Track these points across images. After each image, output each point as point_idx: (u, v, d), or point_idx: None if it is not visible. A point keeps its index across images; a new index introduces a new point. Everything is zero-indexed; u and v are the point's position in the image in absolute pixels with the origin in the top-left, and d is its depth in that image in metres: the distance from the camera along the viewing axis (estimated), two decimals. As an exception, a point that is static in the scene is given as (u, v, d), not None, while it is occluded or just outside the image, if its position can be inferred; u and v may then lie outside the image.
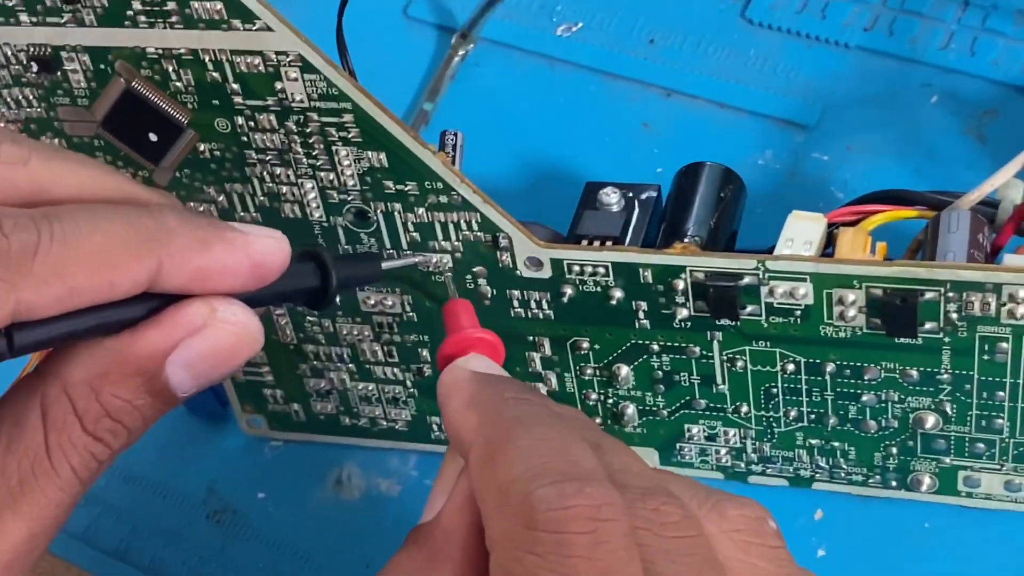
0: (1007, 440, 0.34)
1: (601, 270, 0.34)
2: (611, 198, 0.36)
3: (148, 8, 0.32)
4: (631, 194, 0.36)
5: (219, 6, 0.31)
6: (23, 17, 0.33)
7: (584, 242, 0.35)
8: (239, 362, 0.28)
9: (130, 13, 0.32)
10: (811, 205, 0.40)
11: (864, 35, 0.44)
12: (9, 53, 0.34)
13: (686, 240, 0.35)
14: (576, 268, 0.34)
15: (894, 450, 0.35)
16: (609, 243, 0.35)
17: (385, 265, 0.33)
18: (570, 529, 0.24)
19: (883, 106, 0.43)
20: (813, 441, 0.36)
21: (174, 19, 0.32)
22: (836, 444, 0.36)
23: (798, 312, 0.33)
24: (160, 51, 0.33)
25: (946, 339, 0.32)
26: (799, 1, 0.45)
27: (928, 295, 0.31)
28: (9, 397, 0.27)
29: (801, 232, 0.34)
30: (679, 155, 0.43)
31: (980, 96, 0.42)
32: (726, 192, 0.36)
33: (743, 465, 0.37)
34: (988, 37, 0.43)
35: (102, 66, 0.33)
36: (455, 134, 0.35)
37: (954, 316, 0.32)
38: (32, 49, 0.33)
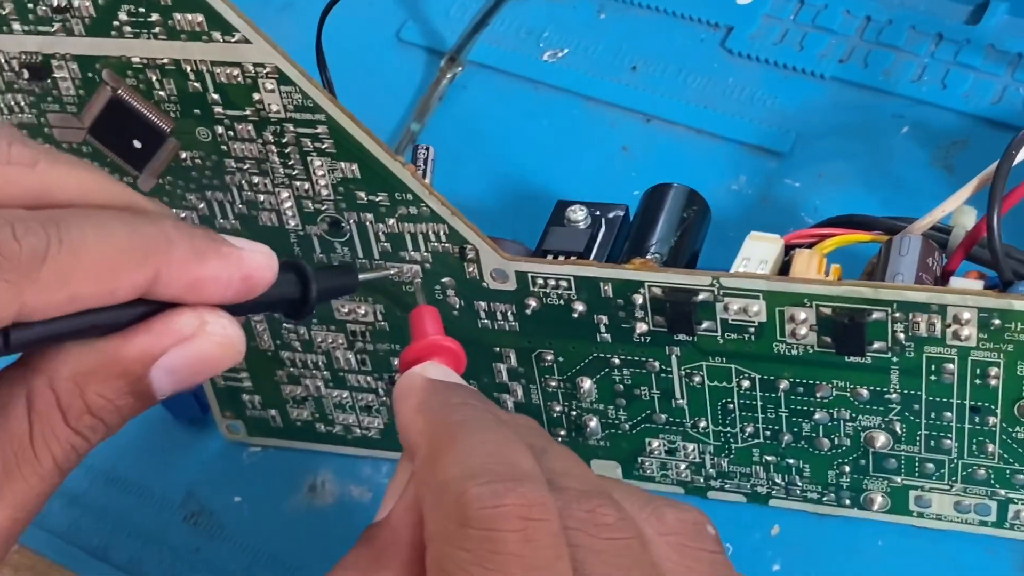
0: (955, 461, 0.35)
1: (564, 283, 0.35)
2: (578, 215, 0.37)
3: (133, 19, 0.33)
4: (598, 212, 0.38)
5: (200, 18, 0.33)
6: (15, 25, 0.34)
7: (549, 257, 0.36)
8: (220, 370, 0.29)
9: (116, 23, 0.33)
10: (781, 229, 0.41)
11: (839, 67, 0.45)
12: (2, 60, 0.35)
13: (648, 256, 0.36)
14: (540, 281, 0.35)
15: (847, 468, 0.36)
16: (573, 258, 0.36)
17: (362, 276, 0.34)
18: (501, 527, 0.25)
19: (855, 136, 0.44)
20: (769, 458, 0.37)
21: (158, 30, 0.33)
22: (791, 461, 0.36)
23: (752, 329, 0.34)
24: (144, 61, 0.34)
25: (894, 359, 0.33)
26: (778, 33, 0.47)
27: (875, 315, 0.32)
28: None
29: (757, 252, 0.35)
30: (656, 178, 0.44)
31: (949, 127, 0.43)
32: (689, 212, 0.37)
33: (702, 480, 0.38)
34: (960, 70, 0.44)
35: (90, 74, 0.35)
36: (427, 148, 0.36)
37: (901, 336, 0.33)
38: (24, 56, 0.35)
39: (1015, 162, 0.33)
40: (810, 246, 0.35)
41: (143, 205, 0.29)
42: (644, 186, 0.40)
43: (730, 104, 0.46)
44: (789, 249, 0.35)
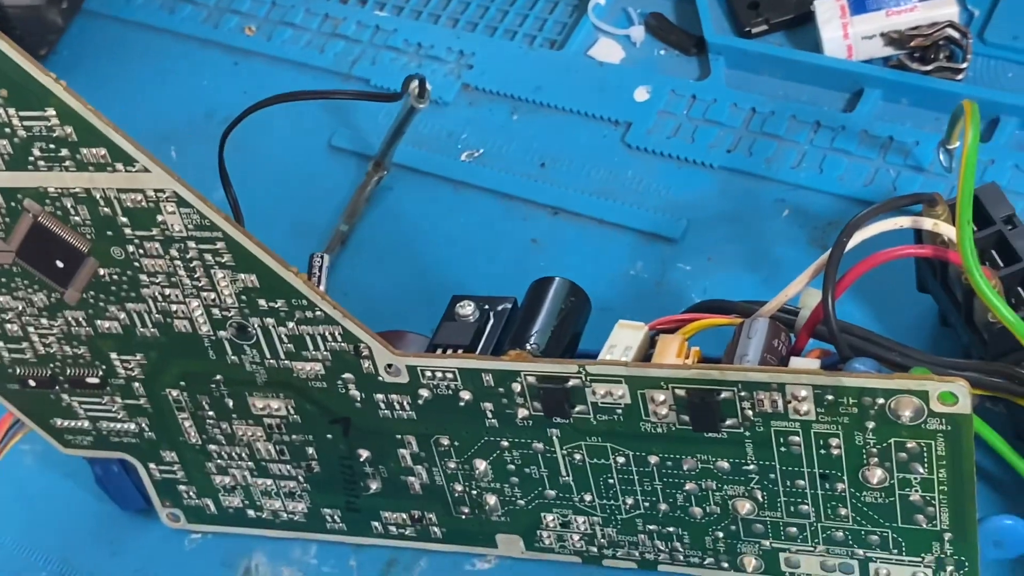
0: (815, 524, 0.37)
1: (449, 375, 0.38)
2: (466, 310, 0.40)
3: (46, 154, 0.37)
4: (487, 306, 0.41)
5: (103, 151, 0.36)
6: (-56, 163, 0.38)
7: (439, 351, 0.39)
8: None
9: (31, 158, 0.37)
10: (673, 311, 0.44)
11: (727, 156, 0.49)
12: (-65, 194, 0.39)
13: (527, 347, 0.39)
14: (428, 373, 0.38)
15: (720, 534, 0.39)
16: (460, 351, 0.39)
17: None
18: None
19: (741, 220, 0.47)
20: (651, 527, 0.39)
21: (68, 163, 0.37)
22: (671, 529, 0.39)
23: (619, 410, 0.37)
24: (59, 190, 0.38)
25: (746, 433, 0.36)
26: (672, 127, 0.50)
27: (724, 395, 0.35)
28: None
29: (623, 339, 0.38)
30: (563, 267, 0.48)
31: (825, 210, 0.46)
32: (567, 303, 0.40)
33: (596, 550, 0.41)
34: (835, 156, 0.48)
35: (13, 203, 0.38)
36: (322, 256, 0.40)
37: (750, 413, 0.36)
38: (-47, 191, 0.39)
39: (846, 249, 0.36)
40: (672, 331, 0.38)
41: None
42: (551, 274, 0.43)
43: (629, 195, 0.49)
44: (656, 334, 0.38)
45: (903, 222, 0.37)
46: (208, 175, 0.49)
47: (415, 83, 0.48)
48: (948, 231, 0.37)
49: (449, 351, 0.39)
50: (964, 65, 0.47)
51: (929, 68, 0.47)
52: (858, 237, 0.36)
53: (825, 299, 0.36)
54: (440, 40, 0.56)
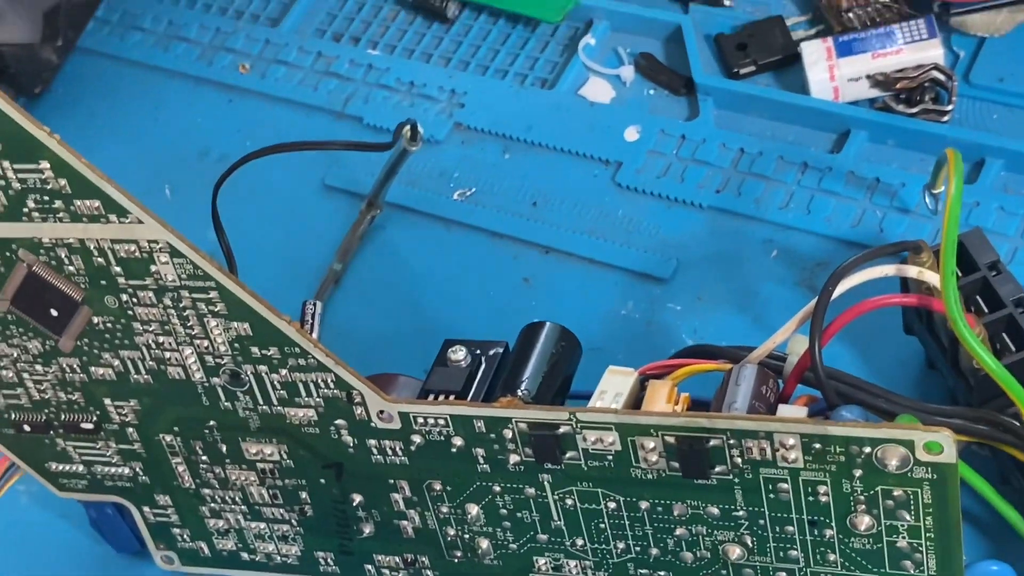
0: (804, 569, 0.38)
1: (441, 421, 0.38)
2: (458, 355, 0.41)
3: (40, 206, 0.37)
4: (479, 351, 0.41)
5: (97, 203, 0.37)
6: (-62, 214, 0.38)
7: (431, 397, 0.40)
8: None
9: (26, 210, 0.37)
10: (663, 351, 0.45)
11: (716, 196, 0.49)
12: (-70, 243, 0.39)
13: (519, 392, 0.39)
14: (420, 420, 0.39)
15: (711, 578, 0.39)
16: (451, 397, 0.40)
17: None
18: None
19: (729, 260, 0.47)
20: (643, 571, 0.40)
21: (62, 215, 0.37)
22: (662, 574, 0.40)
23: (610, 457, 0.37)
24: (53, 241, 0.38)
25: (736, 480, 0.36)
26: (662, 166, 0.50)
27: (713, 442, 0.36)
28: None
29: (613, 385, 0.38)
30: (554, 307, 0.48)
31: (813, 250, 0.47)
32: (557, 348, 0.41)
33: (587, 593, 0.41)
34: (823, 196, 0.48)
35: (8, 253, 0.39)
36: (314, 304, 0.40)
37: (738, 460, 0.36)
38: (-53, 240, 0.39)
39: (832, 298, 0.36)
40: (661, 376, 0.38)
41: None
42: (543, 315, 0.44)
43: (619, 234, 0.49)
44: (646, 379, 0.39)
45: (888, 270, 0.37)
46: (202, 213, 0.49)
47: (408, 128, 0.49)
48: (933, 279, 0.37)
49: (441, 397, 0.40)
50: (950, 107, 0.48)
51: (915, 110, 0.48)
52: (844, 285, 0.37)
53: (812, 348, 0.36)
54: (432, 79, 0.56)
